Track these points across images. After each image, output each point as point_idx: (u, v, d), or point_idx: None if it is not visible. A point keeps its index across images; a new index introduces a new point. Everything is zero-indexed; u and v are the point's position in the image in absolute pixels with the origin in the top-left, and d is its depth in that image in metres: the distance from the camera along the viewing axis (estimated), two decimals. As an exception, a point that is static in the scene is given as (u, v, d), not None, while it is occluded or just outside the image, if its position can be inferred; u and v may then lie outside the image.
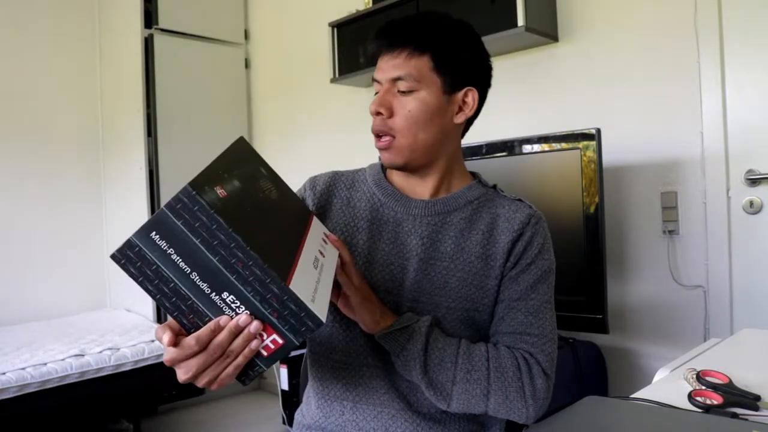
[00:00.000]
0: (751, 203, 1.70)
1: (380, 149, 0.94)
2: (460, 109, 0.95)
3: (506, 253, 0.92)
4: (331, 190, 1.01)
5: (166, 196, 2.90)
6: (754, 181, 1.70)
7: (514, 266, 0.92)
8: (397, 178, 1.00)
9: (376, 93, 0.94)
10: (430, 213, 0.95)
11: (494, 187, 1.01)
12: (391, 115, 0.91)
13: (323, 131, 2.93)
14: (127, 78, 2.98)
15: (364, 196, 0.99)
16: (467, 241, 0.93)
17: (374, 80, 0.95)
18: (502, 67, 2.18)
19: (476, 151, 1.93)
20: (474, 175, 1.03)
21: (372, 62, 0.97)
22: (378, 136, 0.93)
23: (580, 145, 1.70)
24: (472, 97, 0.95)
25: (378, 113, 0.91)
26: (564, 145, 1.75)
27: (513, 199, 0.98)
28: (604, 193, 1.69)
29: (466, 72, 0.94)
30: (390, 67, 0.91)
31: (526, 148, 1.84)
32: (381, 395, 0.92)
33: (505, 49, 2.14)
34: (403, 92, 0.91)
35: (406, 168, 0.95)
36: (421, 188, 0.97)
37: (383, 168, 1.02)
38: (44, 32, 3.06)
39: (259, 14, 3.27)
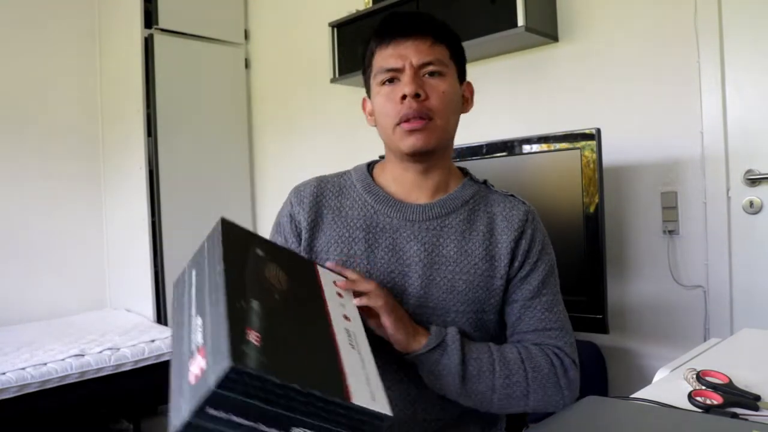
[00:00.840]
0: (751, 203, 1.70)
1: (413, 131, 0.90)
2: (464, 101, 0.98)
3: (510, 253, 0.93)
4: (320, 200, 0.97)
5: (166, 196, 2.90)
6: (754, 181, 1.70)
7: (521, 266, 0.93)
8: (389, 182, 0.98)
9: (385, 82, 0.92)
10: (427, 217, 0.94)
11: (485, 182, 1.01)
12: (426, 97, 0.90)
13: (323, 131, 2.92)
14: (127, 78, 2.98)
15: (355, 204, 0.96)
16: (469, 243, 0.93)
17: (387, 69, 0.92)
18: (501, 67, 2.21)
19: (476, 151, 1.93)
20: (463, 171, 1.02)
21: (368, 54, 0.96)
22: (409, 119, 0.90)
23: (580, 145, 1.70)
24: (469, 90, 0.99)
25: (416, 95, 0.89)
26: (564, 145, 1.74)
27: (506, 195, 0.98)
28: (604, 193, 1.69)
29: (464, 66, 0.99)
30: (414, 52, 0.90)
31: (526, 148, 1.84)
32: None
33: (505, 49, 2.14)
34: (432, 75, 0.91)
35: (433, 152, 0.93)
36: (418, 191, 0.96)
37: (369, 170, 1.01)
38: (44, 32, 3.06)
39: (259, 14, 3.27)
